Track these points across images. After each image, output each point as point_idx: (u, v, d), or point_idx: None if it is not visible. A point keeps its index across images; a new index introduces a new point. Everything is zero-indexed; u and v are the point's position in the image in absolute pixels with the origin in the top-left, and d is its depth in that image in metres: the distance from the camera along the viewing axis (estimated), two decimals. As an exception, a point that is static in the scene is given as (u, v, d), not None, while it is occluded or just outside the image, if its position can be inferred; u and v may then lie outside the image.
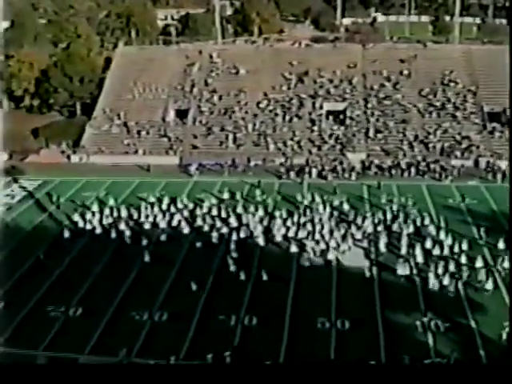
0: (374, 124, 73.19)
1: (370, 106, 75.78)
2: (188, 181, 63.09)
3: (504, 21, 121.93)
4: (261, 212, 52.50)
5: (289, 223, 50.11)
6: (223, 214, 52.63)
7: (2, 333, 36.74)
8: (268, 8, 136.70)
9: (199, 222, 51.51)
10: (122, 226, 51.17)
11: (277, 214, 51.77)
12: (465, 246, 45.34)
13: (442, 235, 47.08)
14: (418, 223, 49.93)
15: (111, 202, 56.19)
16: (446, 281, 40.74)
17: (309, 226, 49.23)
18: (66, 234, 50.57)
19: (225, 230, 49.88)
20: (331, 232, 48.19)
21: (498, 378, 17.47)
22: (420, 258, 43.90)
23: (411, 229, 48.78)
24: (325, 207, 52.99)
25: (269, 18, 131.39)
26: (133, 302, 40.08)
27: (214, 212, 53.26)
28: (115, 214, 53.89)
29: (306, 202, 54.90)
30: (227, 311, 38.38)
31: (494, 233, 47.69)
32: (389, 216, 51.17)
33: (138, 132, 75.10)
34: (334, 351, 34.50)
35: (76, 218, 53.13)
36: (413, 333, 36.11)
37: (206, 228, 50.20)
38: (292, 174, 63.87)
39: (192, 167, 66.32)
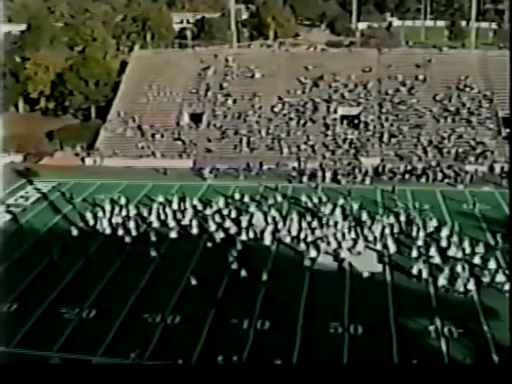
0: (389, 129, 73.02)
1: (384, 110, 75.63)
2: (202, 184, 63.08)
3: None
4: (274, 215, 52.37)
5: (302, 227, 49.99)
6: (236, 217, 52.69)
7: (17, 334, 36.89)
8: (283, 12, 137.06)
9: (212, 224, 51.53)
10: (135, 228, 51.33)
11: (290, 217, 51.60)
12: (479, 251, 45.16)
13: (457, 240, 46.88)
14: (432, 228, 49.72)
15: (124, 204, 56.35)
16: (460, 285, 40.64)
17: (322, 230, 49.18)
18: (80, 235, 50.80)
19: (237, 232, 49.99)
20: (344, 236, 48.09)
21: (498, 378, 17.39)
22: (434, 263, 43.73)
23: (425, 233, 48.64)
24: (338, 211, 52.85)
25: (284, 23, 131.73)
26: (146, 305, 40.16)
27: (228, 214, 53.30)
28: (127, 215, 54.13)
29: (319, 206, 54.77)
30: (240, 315, 38.36)
31: (508, 238, 47.40)
32: (403, 220, 50.98)
33: (153, 135, 75.27)
34: (347, 356, 34.41)
35: (89, 219, 53.31)
36: (426, 338, 35.94)
37: (219, 230, 50.15)
38: (305, 178, 63.77)
39: (206, 170, 66.42)
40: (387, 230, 48.93)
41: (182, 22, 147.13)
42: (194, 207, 55.32)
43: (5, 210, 57.43)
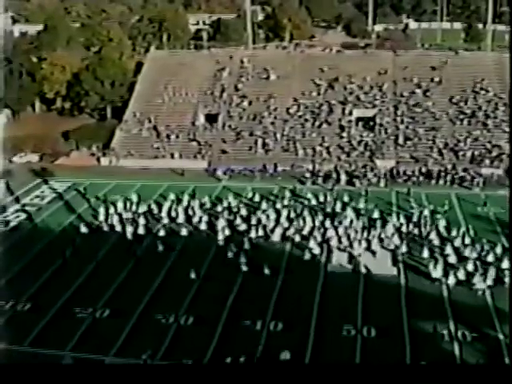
0: (404, 131, 72.84)
1: (399, 112, 75.43)
2: (217, 185, 63.08)
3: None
4: (288, 216, 52.38)
5: (316, 228, 50.17)
6: (251, 218, 52.68)
7: (30, 333, 37.09)
8: (299, 14, 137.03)
9: (226, 224, 51.67)
10: (146, 227, 51.86)
11: (305, 218, 51.62)
12: (493, 255, 45.04)
13: (470, 242, 46.78)
14: (447, 231, 49.58)
15: (140, 205, 56.55)
16: (473, 288, 40.62)
17: (336, 232, 49.17)
18: (94, 235, 51.08)
19: (251, 233, 50.11)
20: (359, 238, 48.08)
21: (498, 378, 17.32)
22: (448, 262, 43.65)
23: (440, 236, 48.56)
24: (353, 213, 52.83)
25: (300, 24, 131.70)
26: (159, 305, 40.26)
27: (242, 215, 53.33)
28: (140, 213, 54.67)
29: (333, 207, 54.71)
30: (253, 316, 38.39)
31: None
32: (417, 223, 50.89)
33: (168, 136, 75.44)
34: (360, 359, 34.35)
35: (104, 219, 53.54)
36: (439, 342, 35.83)
37: (233, 232, 50.36)
38: (320, 179, 63.70)
39: (220, 171, 66.47)
40: (401, 233, 49.05)
41: (197, 23, 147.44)
42: (204, 205, 55.76)
43: (20, 209, 57.78)
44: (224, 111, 78.35)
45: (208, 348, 35.24)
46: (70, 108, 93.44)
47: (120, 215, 54.04)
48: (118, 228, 52.07)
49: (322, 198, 57.00)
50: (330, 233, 49.26)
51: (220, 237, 49.34)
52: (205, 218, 52.49)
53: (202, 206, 55.67)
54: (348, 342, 35.89)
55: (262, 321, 37.96)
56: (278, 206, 54.89)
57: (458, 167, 66.17)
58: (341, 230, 49.38)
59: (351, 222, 50.92)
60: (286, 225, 50.92)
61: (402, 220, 51.66)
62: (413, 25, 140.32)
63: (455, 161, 67.89)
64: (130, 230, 51.17)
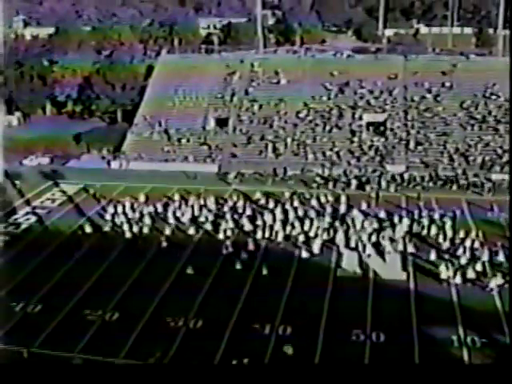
0: (415, 136, 72.71)
1: (410, 117, 75.33)
2: (227, 189, 63.06)
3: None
4: (297, 220, 52.39)
5: (326, 232, 50.30)
6: (260, 221, 52.81)
7: (40, 334, 37.20)
8: (310, 18, 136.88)
9: (236, 228, 52.05)
10: (158, 231, 51.97)
11: (314, 223, 51.65)
12: (503, 255, 45.29)
13: (480, 246, 46.70)
14: (457, 236, 49.47)
15: (149, 208, 56.70)
16: (484, 293, 40.57)
17: (346, 236, 49.26)
18: (104, 237, 51.24)
19: (260, 236, 50.34)
20: (368, 242, 48.14)
21: (498, 378, 17.31)
22: (458, 273, 43.51)
23: (450, 242, 48.51)
24: (362, 216, 52.84)
25: (311, 29, 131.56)
26: (168, 308, 40.32)
27: (252, 219, 53.50)
28: (151, 220, 54.75)
29: (343, 212, 54.72)
30: (262, 320, 38.38)
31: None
32: (427, 228, 50.83)
33: (179, 139, 75.55)
34: (368, 364, 34.30)
35: (114, 222, 53.70)
36: (448, 347, 35.73)
37: (243, 235, 50.48)
38: (330, 184, 63.61)
39: (231, 175, 66.42)
40: (412, 238, 49.12)
41: (208, 27, 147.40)
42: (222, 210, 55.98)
43: (31, 212, 57.97)
44: (234, 115, 78.41)
45: (217, 351, 35.27)
46: (81, 111, 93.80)
47: (128, 217, 54.41)
48: (126, 228, 52.45)
49: (331, 202, 56.95)
50: (339, 235, 49.48)
51: (228, 242, 49.44)
52: (211, 218, 53.35)
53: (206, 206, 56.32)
54: (357, 347, 35.83)
55: (271, 325, 37.96)
56: (290, 212, 54.79)
57: (468, 172, 65.95)
58: (350, 232, 49.69)
59: (362, 225, 51.08)
60: (294, 227, 51.06)
61: (411, 223, 51.66)
62: (423, 29, 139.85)
63: (466, 166, 67.66)
64: (136, 230, 51.78)
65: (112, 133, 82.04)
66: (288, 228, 51.36)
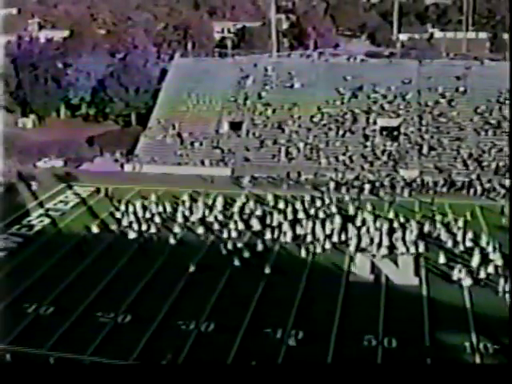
0: (428, 141, 72.51)
1: (424, 122, 75.15)
2: (240, 193, 62.96)
3: None
4: (310, 224, 52.31)
5: (339, 236, 50.33)
6: (273, 224, 52.83)
7: (52, 336, 37.30)
8: (324, 22, 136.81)
9: (248, 231, 52.22)
10: (170, 233, 51.99)
11: (327, 227, 51.56)
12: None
13: (494, 255, 46.45)
14: (470, 242, 49.26)
15: (160, 208, 57.10)
16: (497, 298, 40.42)
17: (358, 240, 49.25)
18: (117, 240, 51.36)
19: (272, 240, 50.40)
20: (381, 247, 48.16)
21: (498, 378, 17.19)
22: (470, 278, 43.39)
23: (463, 247, 48.39)
24: (375, 222, 52.72)
25: (325, 33, 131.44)
26: (180, 311, 40.35)
27: (265, 222, 53.51)
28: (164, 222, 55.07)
29: (356, 216, 54.51)
30: (274, 324, 38.32)
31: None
32: (441, 234, 50.64)
33: (192, 143, 75.67)
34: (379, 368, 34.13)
35: (127, 225, 53.81)
36: (460, 354, 35.54)
37: (255, 238, 50.49)
38: (343, 188, 63.46)
39: (244, 179, 66.33)
40: (425, 244, 48.99)
41: (222, 31, 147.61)
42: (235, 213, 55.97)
43: (44, 214, 58.19)
44: (248, 119, 78.48)
45: (228, 356, 35.26)
46: (95, 114, 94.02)
47: (140, 219, 54.68)
48: (138, 229, 52.85)
49: (346, 207, 56.87)
50: (352, 238, 49.73)
51: (239, 243, 49.60)
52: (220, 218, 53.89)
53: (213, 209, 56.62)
54: (368, 353, 35.71)
55: (283, 329, 37.91)
56: (303, 215, 54.76)
57: (482, 178, 65.61)
58: (362, 235, 49.97)
59: (376, 227, 51.13)
60: (310, 233, 50.94)
61: (426, 231, 51.51)
62: (438, 34, 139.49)
63: (480, 171, 67.36)
64: (147, 231, 52.49)
65: (125, 136, 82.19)
66: (299, 230, 51.41)
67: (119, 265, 46.99)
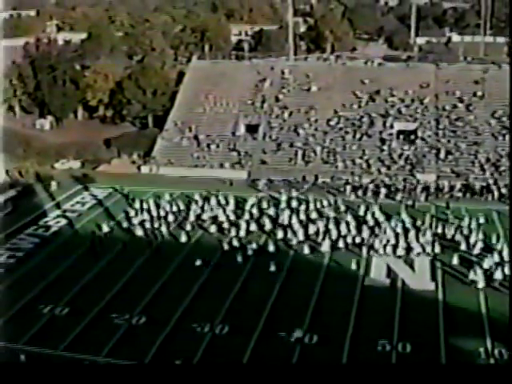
0: (445, 145, 72.23)
1: (441, 126, 74.86)
2: (256, 195, 62.89)
3: None
4: (323, 227, 52.31)
5: (352, 239, 50.40)
6: (288, 227, 52.81)
7: (67, 337, 37.46)
8: (341, 26, 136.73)
9: (265, 233, 52.39)
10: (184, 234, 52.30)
11: (342, 230, 51.53)
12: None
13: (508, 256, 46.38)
14: (487, 247, 49.04)
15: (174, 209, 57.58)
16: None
17: (374, 244, 49.23)
18: (133, 241, 51.57)
19: (289, 242, 50.44)
20: (397, 252, 48.18)
21: (498, 378, 17.11)
22: (483, 282, 43.26)
23: (478, 251, 48.29)
24: (391, 224, 52.69)
25: (342, 36, 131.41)
26: (195, 314, 40.40)
27: (280, 224, 53.53)
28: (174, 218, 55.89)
29: (372, 220, 54.44)
30: (288, 327, 38.27)
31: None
32: (457, 238, 50.44)
33: (208, 145, 75.77)
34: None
35: (143, 226, 54.01)
36: (475, 359, 35.35)
37: (270, 242, 50.48)
38: (360, 192, 63.34)
39: (261, 182, 66.27)
40: (441, 248, 48.94)
41: (240, 33, 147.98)
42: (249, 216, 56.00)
43: (61, 215, 58.47)
44: (264, 122, 78.50)
45: (242, 358, 35.27)
46: (112, 116, 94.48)
47: (155, 221, 55.06)
48: (155, 231, 53.39)
49: (361, 210, 56.75)
50: (368, 239, 50.05)
51: (258, 247, 49.67)
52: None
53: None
54: (382, 358, 35.60)
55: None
56: (318, 218, 54.78)
57: (499, 183, 65.22)
58: (378, 237, 50.21)
59: (394, 229, 51.13)
60: (324, 237, 50.90)
61: (443, 235, 51.40)
62: (455, 38, 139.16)
63: (497, 176, 67.00)
64: (163, 232, 53.01)
65: (142, 138, 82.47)
66: (312, 230, 51.52)
67: (135, 266, 47.12)
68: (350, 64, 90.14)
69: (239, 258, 47.34)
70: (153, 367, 30.73)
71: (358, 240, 50.34)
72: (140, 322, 39.50)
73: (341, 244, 49.60)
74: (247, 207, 57.39)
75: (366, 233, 51.08)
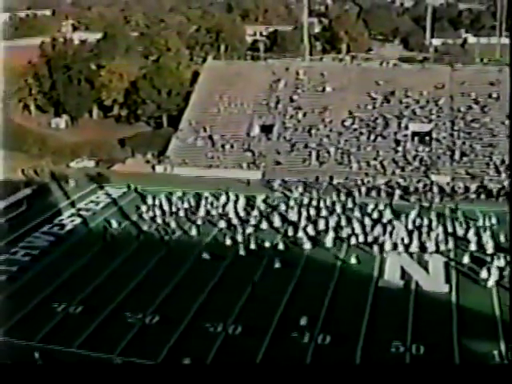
0: (460, 147, 71.93)
1: (456, 128, 74.55)
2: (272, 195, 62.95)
3: None
4: (332, 229, 52.35)
5: (364, 240, 50.59)
6: (301, 229, 52.82)
7: (80, 335, 37.62)
8: (357, 26, 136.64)
9: (277, 235, 52.27)
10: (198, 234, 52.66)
11: (356, 231, 51.54)
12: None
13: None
14: (499, 248, 48.87)
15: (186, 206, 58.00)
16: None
17: (388, 246, 49.21)
18: (147, 241, 51.74)
19: (302, 245, 50.32)
20: (411, 253, 48.11)
21: (498, 378, 17.06)
22: (493, 282, 43.21)
23: (492, 250, 48.29)
24: (406, 227, 52.64)
25: (357, 37, 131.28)
26: (208, 313, 40.46)
27: (293, 227, 53.45)
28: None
29: (385, 221, 54.38)
30: (301, 328, 38.26)
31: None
32: (471, 240, 50.22)
33: (223, 146, 75.81)
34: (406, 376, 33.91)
35: (157, 226, 54.18)
36: (489, 362, 35.20)
37: (283, 244, 50.53)
38: (374, 193, 63.21)
39: (275, 183, 66.21)
40: (455, 249, 48.96)
41: (255, 34, 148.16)
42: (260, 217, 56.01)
43: (76, 214, 58.70)
44: (279, 122, 78.46)
45: (255, 359, 35.29)
46: (127, 115, 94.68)
47: (168, 221, 55.33)
48: (168, 231, 53.66)
49: (375, 212, 56.66)
50: (382, 239, 50.27)
51: (274, 249, 49.69)
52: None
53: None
54: (396, 359, 35.53)
55: (310, 334, 37.83)
56: (331, 219, 54.76)
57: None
58: (393, 237, 50.46)
59: (401, 236, 50.89)
60: (337, 238, 51.04)
61: (456, 236, 51.38)
62: (471, 39, 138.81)
63: (512, 178, 66.68)
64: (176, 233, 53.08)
65: (157, 137, 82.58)
66: (330, 233, 51.48)
67: (149, 265, 47.22)
68: (365, 65, 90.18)
69: (251, 257, 47.44)
70: (165, 367, 30.82)
71: (370, 239, 50.62)
72: (153, 322, 39.58)
73: (353, 241, 50.08)
74: (261, 207, 57.74)
75: (378, 231, 51.33)
